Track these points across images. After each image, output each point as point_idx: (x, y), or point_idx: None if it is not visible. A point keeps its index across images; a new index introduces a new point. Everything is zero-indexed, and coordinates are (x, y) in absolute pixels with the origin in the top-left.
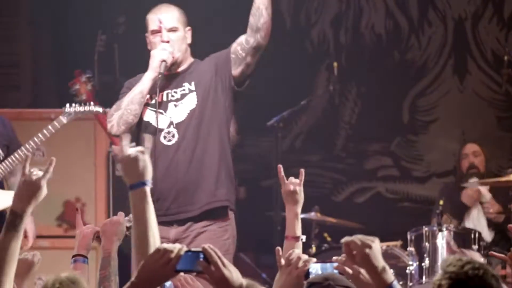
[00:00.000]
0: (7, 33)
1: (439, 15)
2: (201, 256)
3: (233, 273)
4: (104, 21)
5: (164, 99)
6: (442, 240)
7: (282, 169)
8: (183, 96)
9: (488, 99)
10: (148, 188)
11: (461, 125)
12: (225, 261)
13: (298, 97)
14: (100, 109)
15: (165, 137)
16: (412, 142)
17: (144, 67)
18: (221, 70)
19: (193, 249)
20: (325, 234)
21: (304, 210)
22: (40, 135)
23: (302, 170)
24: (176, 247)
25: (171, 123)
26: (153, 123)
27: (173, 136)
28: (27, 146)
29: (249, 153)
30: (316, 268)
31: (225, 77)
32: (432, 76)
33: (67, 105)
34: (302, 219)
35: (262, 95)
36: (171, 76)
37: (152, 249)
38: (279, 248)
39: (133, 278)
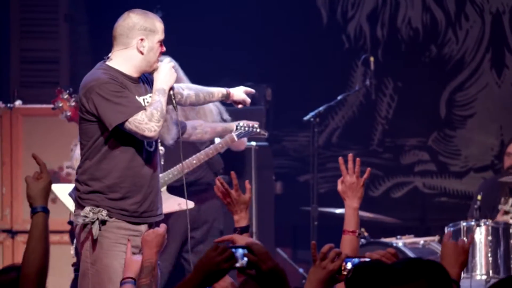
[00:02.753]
0: (45, 30)
1: (477, 9)
2: (245, 251)
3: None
4: None
5: (142, 103)
6: (480, 235)
7: (343, 161)
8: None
9: None
10: None
11: (499, 119)
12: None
13: (335, 92)
14: (266, 133)
15: (148, 144)
16: (449, 137)
17: (181, 62)
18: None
19: (237, 245)
20: (362, 229)
21: (341, 205)
22: (213, 147)
23: (369, 169)
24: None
25: None
26: None
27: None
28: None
29: (286, 148)
30: (347, 264)
31: None
32: (469, 71)
33: (239, 122)
34: (339, 214)
35: (299, 90)
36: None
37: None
38: (315, 242)
39: (189, 275)
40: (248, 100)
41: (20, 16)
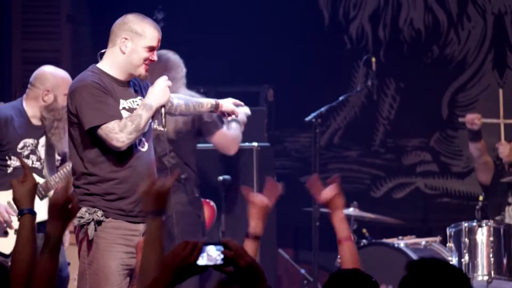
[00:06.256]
0: (47, 30)
1: (479, 9)
2: (221, 248)
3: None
4: None
5: (126, 106)
6: (482, 236)
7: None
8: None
9: None
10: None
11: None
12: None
13: (337, 92)
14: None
15: (139, 143)
16: (451, 138)
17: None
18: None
19: (212, 241)
20: (364, 230)
21: None
22: None
23: (337, 175)
24: (197, 241)
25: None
26: None
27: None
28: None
29: (288, 149)
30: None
31: None
32: (471, 71)
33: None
34: None
35: (300, 91)
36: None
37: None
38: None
39: (156, 274)
40: (237, 111)
41: (22, 17)
